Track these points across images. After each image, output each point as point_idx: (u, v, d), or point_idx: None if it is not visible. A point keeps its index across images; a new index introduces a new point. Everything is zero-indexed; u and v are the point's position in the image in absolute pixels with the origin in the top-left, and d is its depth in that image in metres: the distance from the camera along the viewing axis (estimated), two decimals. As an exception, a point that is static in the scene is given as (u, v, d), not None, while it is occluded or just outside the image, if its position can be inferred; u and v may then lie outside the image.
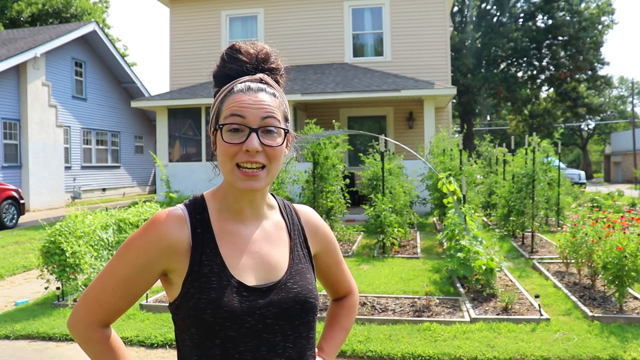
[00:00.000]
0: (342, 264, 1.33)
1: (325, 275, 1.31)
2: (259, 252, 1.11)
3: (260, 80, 1.10)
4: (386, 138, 8.35)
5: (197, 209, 1.10)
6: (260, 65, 1.13)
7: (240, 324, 1.02)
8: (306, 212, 1.26)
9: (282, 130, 1.08)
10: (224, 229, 1.10)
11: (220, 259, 1.06)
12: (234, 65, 1.12)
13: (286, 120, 1.12)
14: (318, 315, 1.16)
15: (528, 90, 35.92)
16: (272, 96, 1.08)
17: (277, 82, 1.15)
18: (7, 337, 4.47)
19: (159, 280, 1.11)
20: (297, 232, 1.20)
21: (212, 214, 1.11)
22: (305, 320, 1.10)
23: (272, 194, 1.22)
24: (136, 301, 1.10)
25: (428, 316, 4.73)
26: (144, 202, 7.41)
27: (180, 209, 1.10)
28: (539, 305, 4.78)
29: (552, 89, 37.49)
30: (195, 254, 1.06)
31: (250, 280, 1.07)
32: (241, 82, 1.09)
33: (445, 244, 7.02)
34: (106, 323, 1.09)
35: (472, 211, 6.69)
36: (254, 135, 1.03)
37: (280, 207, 1.21)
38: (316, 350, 1.22)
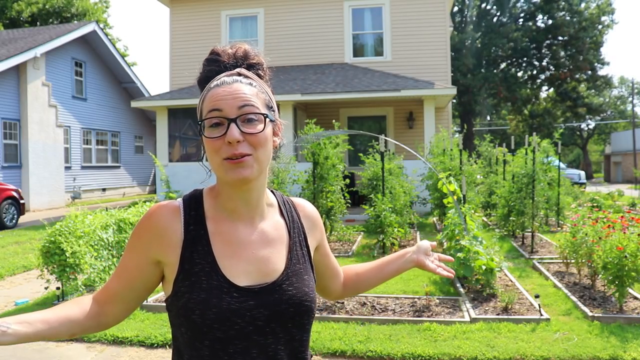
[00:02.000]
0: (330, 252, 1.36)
1: (325, 262, 1.30)
2: (255, 252, 1.08)
3: (238, 74, 1.09)
4: (386, 138, 8.33)
5: (193, 205, 1.09)
6: (239, 62, 1.13)
7: (228, 326, 1.00)
8: (304, 207, 1.24)
9: (263, 117, 1.05)
10: (219, 227, 1.08)
11: (212, 257, 1.04)
12: (214, 67, 1.12)
13: (270, 108, 1.09)
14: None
15: (528, 90, 35.93)
16: (248, 85, 1.06)
17: (260, 76, 1.14)
18: (7, 337, 4.46)
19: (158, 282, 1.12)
20: (297, 231, 1.17)
21: (208, 211, 1.09)
22: (299, 323, 1.07)
23: (271, 190, 1.19)
24: (131, 288, 1.09)
25: (428, 316, 4.72)
26: (144, 202, 7.42)
27: (177, 202, 1.10)
28: (539, 305, 4.77)
29: (552, 89, 37.50)
30: (186, 250, 1.04)
31: (242, 280, 1.04)
32: (217, 79, 1.08)
33: (445, 244, 7.02)
34: (98, 298, 1.10)
35: (472, 211, 6.68)
36: (233, 125, 1.01)
37: (279, 205, 1.19)
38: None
